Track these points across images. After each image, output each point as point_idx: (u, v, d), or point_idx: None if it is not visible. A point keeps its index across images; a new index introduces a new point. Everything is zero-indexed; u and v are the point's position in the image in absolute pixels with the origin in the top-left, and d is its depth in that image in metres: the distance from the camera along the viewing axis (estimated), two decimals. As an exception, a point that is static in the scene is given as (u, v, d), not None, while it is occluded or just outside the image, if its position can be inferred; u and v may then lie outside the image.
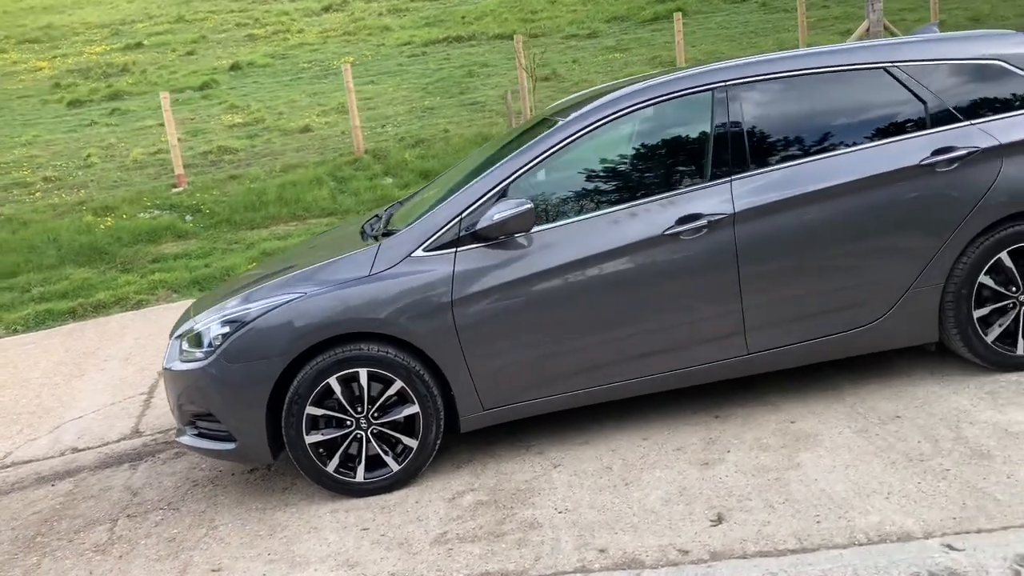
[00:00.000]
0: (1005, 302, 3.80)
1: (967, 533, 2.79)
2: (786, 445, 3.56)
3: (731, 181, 3.67)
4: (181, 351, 3.82)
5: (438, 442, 3.70)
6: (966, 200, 3.69)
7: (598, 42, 18.03)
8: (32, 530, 3.90)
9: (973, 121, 3.77)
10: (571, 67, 15.91)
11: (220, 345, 3.62)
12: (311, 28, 22.35)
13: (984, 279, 3.76)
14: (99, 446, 4.88)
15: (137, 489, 4.19)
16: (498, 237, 3.58)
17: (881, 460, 3.30)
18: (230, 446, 3.70)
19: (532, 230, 3.62)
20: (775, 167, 3.70)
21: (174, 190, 11.60)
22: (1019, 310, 3.81)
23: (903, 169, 3.68)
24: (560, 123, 3.81)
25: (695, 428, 3.84)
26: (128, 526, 3.80)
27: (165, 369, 3.92)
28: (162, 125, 14.46)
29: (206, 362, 3.64)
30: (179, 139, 13.74)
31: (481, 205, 3.64)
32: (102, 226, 10.42)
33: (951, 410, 3.62)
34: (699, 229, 3.61)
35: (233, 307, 3.71)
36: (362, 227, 4.36)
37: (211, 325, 3.70)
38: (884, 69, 3.82)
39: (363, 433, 3.64)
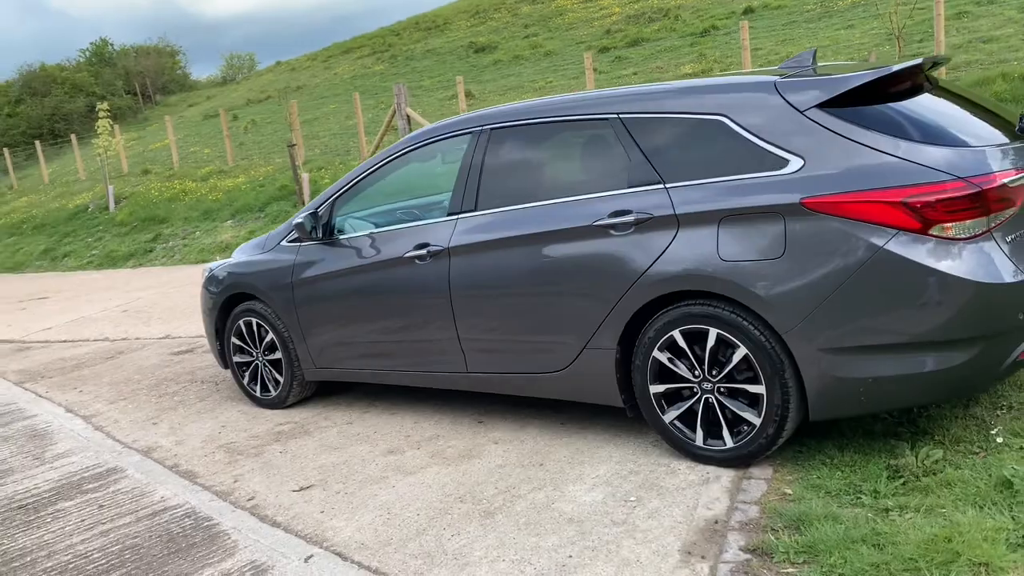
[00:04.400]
0: (685, 384, 3.45)
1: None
2: (451, 460, 3.99)
3: (458, 219, 4.07)
4: None
5: (294, 383, 5.03)
6: (631, 270, 3.45)
7: None
8: (157, 378, 6.40)
9: (668, 184, 3.42)
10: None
11: (204, 280, 5.50)
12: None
13: (659, 355, 3.47)
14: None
15: (214, 362, 6.37)
16: (300, 239, 4.70)
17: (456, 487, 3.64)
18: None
19: (342, 238, 4.62)
20: (489, 211, 3.95)
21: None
22: (700, 398, 3.42)
23: (580, 228, 3.60)
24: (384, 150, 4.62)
25: (446, 427, 4.42)
26: (175, 387, 6.01)
27: None
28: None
29: (200, 288, 5.57)
30: (630, 89, 15.34)
31: (313, 211, 4.73)
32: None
33: (605, 475, 3.59)
34: (425, 257, 4.15)
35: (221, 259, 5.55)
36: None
37: (209, 263, 5.59)
38: (608, 121, 3.65)
39: (259, 364, 5.19)
